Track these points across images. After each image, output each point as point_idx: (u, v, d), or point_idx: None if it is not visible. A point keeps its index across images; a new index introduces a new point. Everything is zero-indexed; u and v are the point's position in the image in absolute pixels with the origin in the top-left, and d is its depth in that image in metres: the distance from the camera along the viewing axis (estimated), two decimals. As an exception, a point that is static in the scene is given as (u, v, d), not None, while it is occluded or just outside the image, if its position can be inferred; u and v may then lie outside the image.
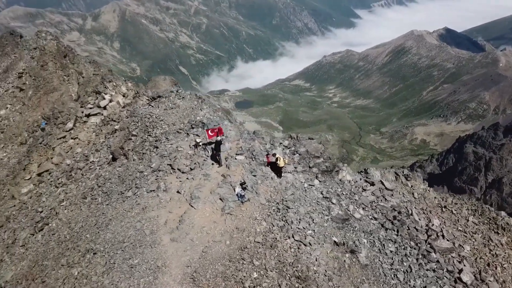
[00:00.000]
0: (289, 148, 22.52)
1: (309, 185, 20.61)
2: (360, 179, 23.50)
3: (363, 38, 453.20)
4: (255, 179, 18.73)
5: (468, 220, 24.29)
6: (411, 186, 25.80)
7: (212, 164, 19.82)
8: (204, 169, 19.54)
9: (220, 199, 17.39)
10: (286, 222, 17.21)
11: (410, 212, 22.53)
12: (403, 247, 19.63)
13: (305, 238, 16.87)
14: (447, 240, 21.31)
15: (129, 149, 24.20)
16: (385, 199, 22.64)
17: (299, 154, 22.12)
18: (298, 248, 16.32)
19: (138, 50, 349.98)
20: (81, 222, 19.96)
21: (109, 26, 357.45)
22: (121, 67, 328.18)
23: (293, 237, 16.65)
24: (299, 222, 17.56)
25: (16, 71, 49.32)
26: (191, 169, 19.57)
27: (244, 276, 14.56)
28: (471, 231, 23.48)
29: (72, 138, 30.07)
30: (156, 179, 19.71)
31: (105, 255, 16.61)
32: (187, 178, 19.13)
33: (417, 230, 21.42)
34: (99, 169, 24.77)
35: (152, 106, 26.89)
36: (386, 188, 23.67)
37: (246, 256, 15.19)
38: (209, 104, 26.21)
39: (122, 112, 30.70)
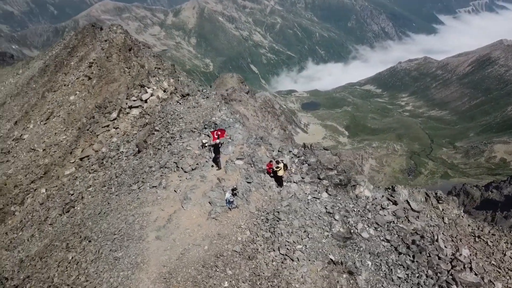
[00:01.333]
0: (298, 157, 21.69)
1: (314, 197, 19.79)
2: (382, 196, 22.03)
3: (444, 46, 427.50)
4: (249, 186, 18.34)
5: (505, 255, 21.76)
6: (442, 209, 23.68)
7: (212, 166, 19.81)
8: (204, 171, 19.55)
9: (210, 202, 17.32)
10: (274, 234, 16.66)
11: (435, 238, 20.68)
12: (417, 275, 18.34)
13: (293, 253, 16.22)
14: (475, 274, 19.25)
15: (150, 143, 25.24)
16: (408, 220, 20.97)
17: (308, 164, 21.19)
18: (282, 262, 15.76)
19: (213, 46, 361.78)
20: (91, 209, 21.02)
21: (187, 22, 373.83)
22: (196, 62, 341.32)
23: (278, 250, 16.09)
24: (290, 236, 16.91)
25: (88, 61, 53.30)
26: (192, 169, 19.71)
27: (215, 284, 14.37)
28: (507, 267, 20.92)
29: (114, 128, 31.74)
30: (160, 176, 20.11)
31: (97, 244, 17.33)
32: (186, 178, 19.29)
33: (439, 258, 19.63)
34: (125, 160, 25.96)
35: (180, 104, 27.54)
36: (412, 209, 21.92)
37: (220, 263, 14.96)
38: (228, 105, 26.16)
39: (157, 106, 31.92)
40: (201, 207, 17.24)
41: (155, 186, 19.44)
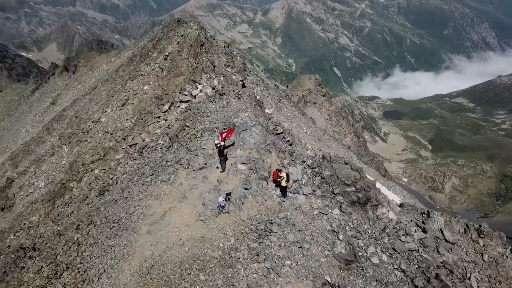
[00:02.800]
0: (312, 168, 20.51)
1: (321, 212, 18.63)
2: (411, 221, 19.99)
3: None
4: (245, 193, 17.74)
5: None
6: (483, 245, 20.90)
7: (217, 167, 19.62)
8: (208, 171, 19.43)
9: (202, 204, 17.11)
10: (261, 245, 16.00)
11: (468, 275, 18.16)
12: (432, 314, 16.09)
13: (279, 268, 15.45)
14: (509, 327, 16.54)
15: (179, 138, 25.74)
16: (438, 251, 18.82)
17: (321, 177, 19.93)
18: (264, 276, 15.07)
19: (297, 47, 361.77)
20: (111, 195, 22.04)
21: (275, 22, 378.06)
22: (279, 61, 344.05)
23: (263, 262, 15.40)
24: (280, 249, 16.08)
25: (164, 54, 56.25)
26: (200, 169, 19.68)
27: (185, 287, 14.18)
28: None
29: (164, 120, 33.04)
30: (173, 171, 20.38)
31: (98, 230, 18.19)
32: (191, 177, 19.30)
33: (467, 300, 17.14)
34: (160, 151, 26.64)
35: (215, 102, 27.63)
36: (445, 239, 19.62)
37: (195, 267, 14.76)
38: (255, 108, 25.43)
39: (200, 103, 32.43)
40: (194, 208, 17.11)
41: (164, 181, 19.72)
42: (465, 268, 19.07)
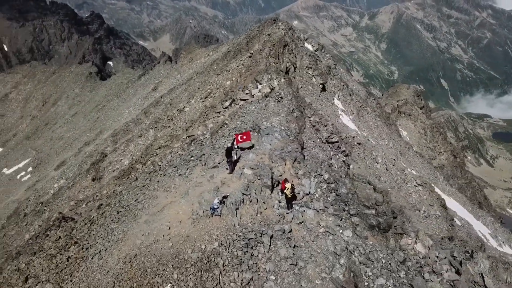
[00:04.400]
0: (328, 183, 19.17)
1: (327, 231, 17.37)
2: (445, 258, 17.60)
3: None
4: (242, 198, 17.16)
5: None
6: None
7: (226, 169, 19.39)
8: (218, 171, 19.32)
9: (199, 203, 17.04)
10: (246, 254, 15.40)
11: None
12: None
13: (262, 282, 14.81)
14: None
15: (218, 134, 26.09)
16: None
17: (336, 195, 18.55)
18: (243, 286, 14.56)
19: (403, 54, 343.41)
20: (140, 181, 23.28)
21: (381, 27, 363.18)
22: (380, 68, 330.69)
23: (244, 272, 14.82)
24: (267, 262, 15.37)
25: (250, 52, 58.02)
26: (213, 167, 19.70)
27: (158, 282, 14.27)
28: None
29: (222, 115, 34.03)
30: (192, 166, 20.68)
31: (110, 211, 19.20)
32: (202, 174, 19.41)
33: None
34: (204, 145, 26.58)
35: (258, 103, 27.58)
36: (485, 286, 16.92)
37: (171, 264, 14.75)
38: (288, 112, 24.52)
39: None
40: (191, 206, 17.12)
41: (181, 175, 20.07)
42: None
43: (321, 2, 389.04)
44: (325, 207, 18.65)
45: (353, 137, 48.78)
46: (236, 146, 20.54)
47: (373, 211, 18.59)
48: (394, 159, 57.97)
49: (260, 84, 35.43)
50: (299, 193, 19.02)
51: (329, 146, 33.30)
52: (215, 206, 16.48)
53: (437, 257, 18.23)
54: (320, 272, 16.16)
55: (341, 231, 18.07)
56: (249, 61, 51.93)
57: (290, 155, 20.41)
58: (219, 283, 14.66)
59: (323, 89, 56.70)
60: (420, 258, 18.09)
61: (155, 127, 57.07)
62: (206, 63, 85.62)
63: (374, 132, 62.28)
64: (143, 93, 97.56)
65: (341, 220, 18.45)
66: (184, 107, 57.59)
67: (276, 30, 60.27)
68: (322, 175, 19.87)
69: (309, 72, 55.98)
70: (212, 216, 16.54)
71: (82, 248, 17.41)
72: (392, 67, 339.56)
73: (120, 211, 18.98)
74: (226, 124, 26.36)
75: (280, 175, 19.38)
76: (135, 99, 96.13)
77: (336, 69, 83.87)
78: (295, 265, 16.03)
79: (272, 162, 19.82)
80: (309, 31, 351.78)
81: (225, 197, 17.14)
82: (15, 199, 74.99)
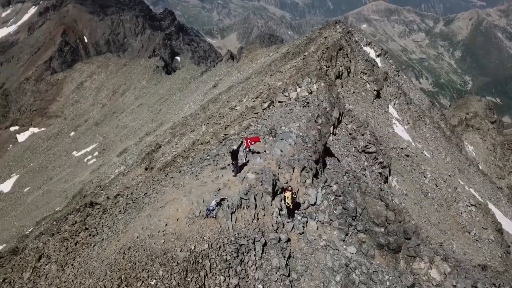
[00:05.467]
0: (336, 195, 18.32)
1: (328, 245, 16.63)
2: None
3: None
4: (241, 203, 16.79)
5: None
6: None
7: (233, 171, 19.15)
8: (225, 172, 19.15)
9: (197, 202, 16.93)
10: (235, 260, 15.10)
11: None
12: None
13: None
14: None
15: (242, 136, 25.86)
16: None
17: (343, 208, 17.69)
18: None
19: (479, 63, 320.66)
20: (159, 176, 23.72)
21: (457, 33, 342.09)
22: (453, 77, 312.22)
23: (231, 278, 14.58)
24: (256, 270, 14.97)
25: (304, 54, 58.01)
26: (222, 168, 19.58)
27: (143, 277, 14.42)
28: None
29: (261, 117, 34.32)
30: (205, 165, 20.70)
31: (121, 202, 19.78)
32: (208, 175, 19.35)
33: None
34: (226, 144, 26.29)
35: (284, 107, 27.35)
36: None
37: (158, 261, 14.81)
38: (312, 118, 23.81)
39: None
40: (191, 205, 17.04)
41: (193, 173, 20.13)
42: None
43: (393, 5, 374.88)
44: (330, 220, 17.98)
45: (402, 148, 46.88)
46: (247, 149, 20.35)
47: (383, 229, 17.61)
48: (450, 175, 54.89)
49: (300, 87, 35.29)
50: (303, 203, 18.47)
51: (365, 156, 32.30)
52: (211, 208, 16.35)
53: (454, 286, 16.78)
54: (314, 287, 15.71)
55: (344, 246, 17.37)
56: (301, 63, 51.77)
57: (299, 163, 19.71)
58: (204, 285, 14.57)
59: (377, 96, 55.06)
60: (433, 285, 16.82)
61: (207, 123, 58.90)
62: (265, 63, 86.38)
63: (430, 145, 59.30)
64: (203, 89, 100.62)
65: (346, 235, 17.71)
66: (235, 105, 58.79)
67: (332, 33, 59.34)
68: (331, 186, 19.14)
69: (364, 78, 54.61)
70: (208, 217, 16.39)
71: (90, 235, 18.07)
72: (466, 76, 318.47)
73: (129, 203, 19.42)
74: (251, 125, 26.66)
75: (286, 183, 18.88)
76: (196, 95, 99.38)
77: (398, 75, 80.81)
78: (287, 276, 15.66)
79: (279, 168, 19.28)
80: (378, 35, 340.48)
81: (223, 199, 16.94)
82: (81, 180, 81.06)
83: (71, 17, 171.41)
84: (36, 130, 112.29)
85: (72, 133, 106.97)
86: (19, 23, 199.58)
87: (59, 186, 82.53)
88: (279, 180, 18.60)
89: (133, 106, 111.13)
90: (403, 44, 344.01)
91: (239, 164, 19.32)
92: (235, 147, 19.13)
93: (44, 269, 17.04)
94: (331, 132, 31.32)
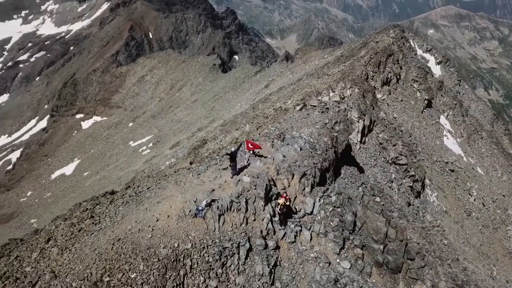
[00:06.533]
0: (335, 206, 17.47)
1: (318, 257, 15.91)
2: None
3: None
4: (231, 205, 16.47)
5: None
6: None
7: (231, 172, 18.79)
8: (224, 173, 18.95)
9: (188, 201, 16.86)
10: (217, 262, 14.99)
11: None
12: None
13: None
14: None
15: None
16: None
17: (340, 220, 16.85)
18: None
19: None
20: (170, 171, 24.19)
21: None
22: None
23: (210, 279, 14.49)
24: (237, 275, 14.71)
25: (354, 57, 57.11)
26: (223, 169, 19.47)
27: (125, 269, 14.64)
28: None
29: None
30: (211, 164, 20.68)
31: (127, 194, 20.39)
32: (209, 174, 19.31)
33: None
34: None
35: (304, 111, 26.96)
36: None
37: (141, 255, 15.01)
38: (327, 125, 23.26)
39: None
40: (184, 203, 17.00)
41: (197, 172, 20.10)
42: None
43: (464, 11, 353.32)
44: (326, 231, 17.27)
45: (446, 162, 44.53)
46: (250, 152, 20.18)
47: (381, 247, 16.72)
48: (504, 195, 51.37)
49: (333, 91, 34.83)
50: (299, 211, 17.93)
51: (395, 168, 31.09)
52: (201, 208, 16.32)
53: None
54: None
55: (338, 260, 16.63)
56: (347, 67, 50.97)
57: (299, 169, 18.96)
58: (182, 284, 14.56)
59: (428, 106, 52.79)
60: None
61: (251, 123, 59.84)
62: (318, 65, 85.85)
63: (485, 161, 55.77)
64: (256, 89, 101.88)
65: (342, 249, 16.95)
66: (280, 106, 59.25)
67: (384, 38, 57.67)
68: (330, 196, 18.36)
69: (414, 86, 52.58)
70: (196, 217, 16.32)
71: (93, 223, 18.59)
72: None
73: (132, 196, 19.82)
74: (264, 128, 26.80)
75: (283, 189, 18.34)
76: (248, 94, 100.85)
77: (460, 85, 76.72)
78: (271, 284, 15.28)
79: (277, 173, 18.66)
80: (445, 42, 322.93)
81: (213, 200, 16.74)
82: (134, 169, 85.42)
83: (139, 14, 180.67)
84: (98, 118, 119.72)
85: (131, 124, 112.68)
86: (93, 17, 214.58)
87: (115, 173, 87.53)
88: (275, 186, 18.19)
89: (189, 102, 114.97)
90: (473, 52, 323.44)
91: (240, 166, 19.20)
92: (232, 149, 19.01)
93: (49, 251, 17.60)
94: (359, 140, 30.68)
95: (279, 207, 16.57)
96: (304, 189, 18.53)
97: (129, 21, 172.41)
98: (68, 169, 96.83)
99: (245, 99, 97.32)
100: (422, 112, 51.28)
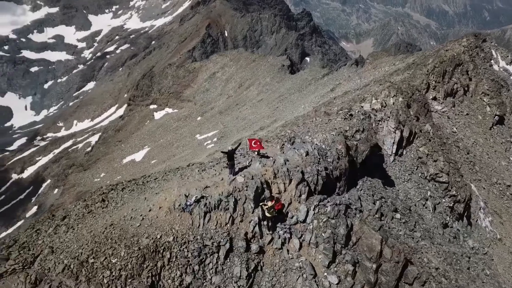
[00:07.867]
0: (329, 217, 16.79)
1: (302, 267, 15.48)
2: None
3: None
4: (218, 204, 16.37)
5: None
6: None
7: (229, 170, 18.58)
8: (223, 172, 18.80)
9: (180, 196, 16.96)
10: (195, 259, 15.11)
11: None
12: None
13: None
14: None
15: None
16: None
17: (333, 232, 16.17)
18: (180, 286, 14.65)
19: None
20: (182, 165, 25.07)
21: None
22: None
23: (187, 275, 14.67)
24: (214, 275, 14.77)
25: (421, 66, 55.02)
26: (225, 167, 19.21)
27: (108, 254, 15.17)
28: None
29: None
30: (220, 162, 20.73)
31: (135, 183, 21.39)
32: (210, 171, 19.36)
33: None
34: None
35: (328, 116, 26.47)
36: None
37: (124, 242, 15.43)
38: (340, 132, 22.39)
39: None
40: (178, 197, 17.16)
41: (203, 168, 20.23)
42: None
43: None
44: (317, 242, 16.59)
45: (509, 185, 41.19)
46: (255, 152, 20.06)
47: (374, 266, 15.85)
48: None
49: (376, 99, 33.95)
50: (292, 217, 17.43)
51: (434, 185, 29.50)
52: (189, 203, 16.41)
53: None
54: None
55: (326, 274, 15.90)
56: (409, 75, 49.19)
57: (297, 175, 18.24)
58: (158, 275, 14.79)
59: (500, 122, 49.16)
60: None
61: (294, 124, 60.33)
62: (388, 71, 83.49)
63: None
64: (321, 92, 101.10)
65: (331, 262, 16.22)
66: (324, 111, 59.06)
67: (455, 46, 54.51)
68: (326, 206, 17.55)
69: (484, 100, 49.24)
70: (184, 211, 16.45)
71: (101, 207, 19.33)
72: None
73: (140, 185, 20.52)
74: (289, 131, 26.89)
75: (278, 193, 17.86)
76: (313, 96, 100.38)
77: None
78: (243, 286, 15.05)
79: (275, 177, 18.11)
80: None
81: (203, 197, 16.77)
82: (197, 161, 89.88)
83: (216, 12, 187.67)
84: (170, 110, 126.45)
85: (199, 118, 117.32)
86: (174, 14, 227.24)
87: (179, 163, 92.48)
88: (269, 189, 17.80)
89: (254, 101, 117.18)
90: None
91: (241, 166, 19.07)
92: (230, 148, 18.75)
93: (60, 228, 18.50)
94: (394, 152, 29.40)
95: (266, 208, 16.26)
96: (300, 195, 18.02)
97: (207, 19, 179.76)
98: (138, 156, 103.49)
99: (309, 102, 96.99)
100: (490, 129, 47.95)
